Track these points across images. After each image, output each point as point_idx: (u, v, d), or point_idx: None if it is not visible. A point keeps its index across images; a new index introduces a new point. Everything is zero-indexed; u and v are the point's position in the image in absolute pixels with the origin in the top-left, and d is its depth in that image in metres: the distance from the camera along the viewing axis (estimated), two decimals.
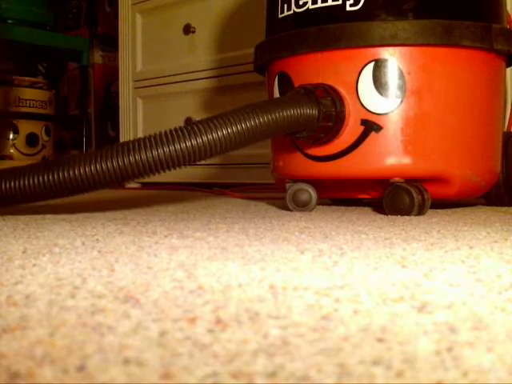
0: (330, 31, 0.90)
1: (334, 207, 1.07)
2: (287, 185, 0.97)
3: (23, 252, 0.51)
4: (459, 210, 0.98)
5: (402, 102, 0.88)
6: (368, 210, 0.99)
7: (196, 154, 0.75)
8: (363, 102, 0.88)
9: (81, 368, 0.22)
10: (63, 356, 0.24)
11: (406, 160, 0.88)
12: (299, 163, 0.96)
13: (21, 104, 2.42)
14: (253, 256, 0.49)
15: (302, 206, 0.94)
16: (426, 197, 0.86)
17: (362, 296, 0.34)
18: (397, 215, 0.85)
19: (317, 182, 0.96)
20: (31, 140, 2.46)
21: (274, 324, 0.29)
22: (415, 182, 0.87)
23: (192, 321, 0.29)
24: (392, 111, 0.88)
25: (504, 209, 1.00)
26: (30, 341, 0.26)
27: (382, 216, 0.86)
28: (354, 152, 0.89)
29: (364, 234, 0.64)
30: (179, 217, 0.85)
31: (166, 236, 0.62)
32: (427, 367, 0.22)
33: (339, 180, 0.95)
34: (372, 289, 0.36)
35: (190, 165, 0.77)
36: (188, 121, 1.89)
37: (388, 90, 0.88)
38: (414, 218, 0.81)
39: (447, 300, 0.33)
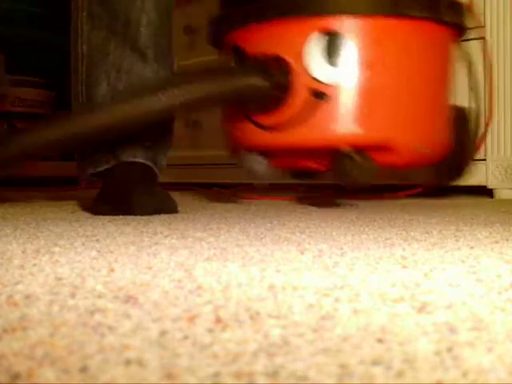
0: (279, 1, 0.91)
1: (333, 207, 1.07)
2: (241, 156, 0.97)
3: (23, 252, 0.51)
4: (459, 210, 0.98)
5: (350, 72, 0.88)
6: (368, 210, 0.99)
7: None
8: (313, 72, 0.88)
9: (82, 368, 0.22)
10: (64, 356, 0.24)
11: (355, 129, 0.89)
12: (251, 133, 0.95)
13: (21, 104, 2.41)
14: (253, 256, 0.49)
15: (257, 177, 0.95)
16: (371, 164, 0.87)
17: (362, 296, 0.34)
18: (345, 183, 0.86)
19: (271, 153, 0.96)
20: None
21: (274, 324, 0.29)
22: (362, 151, 0.87)
23: (192, 320, 0.29)
24: (341, 81, 0.88)
25: (504, 208, 1.00)
26: (30, 341, 0.26)
27: (382, 216, 0.86)
28: (304, 121, 0.89)
29: (364, 234, 0.64)
30: (179, 217, 0.85)
31: (166, 236, 0.62)
32: (427, 367, 0.23)
33: (292, 150, 0.95)
34: (372, 289, 0.36)
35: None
36: (188, 121, 1.89)
37: (337, 60, 0.88)
38: (414, 219, 0.81)
39: (447, 300, 0.33)
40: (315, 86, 0.88)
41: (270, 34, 0.91)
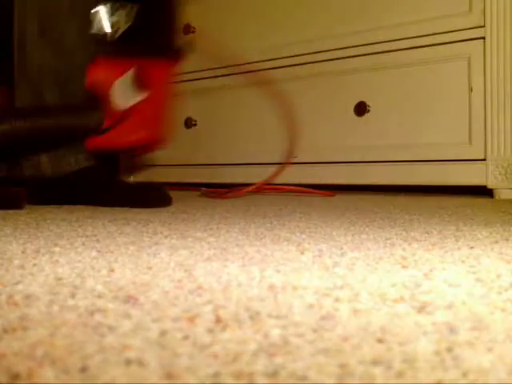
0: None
1: (333, 207, 1.07)
2: None
3: (23, 252, 0.51)
4: (459, 210, 0.98)
5: (136, 97, 1.15)
6: (368, 209, 0.99)
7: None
8: (120, 100, 1.15)
9: (82, 368, 0.22)
10: (64, 356, 0.24)
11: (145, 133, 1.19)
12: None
13: None
14: (253, 256, 0.49)
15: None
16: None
17: (362, 296, 0.34)
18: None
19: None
20: None
21: (274, 324, 0.29)
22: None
23: (192, 321, 0.29)
24: (134, 105, 1.15)
25: (504, 208, 1.00)
26: (30, 341, 0.26)
27: (382, 216, 0.86)
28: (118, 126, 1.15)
29: (364, 234, 0.64)
30: (180, 217, 0.85)
31: (166, 236, 0.62)
32: (427, 367, 0.23)
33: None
34: (372, 289, 0.36)
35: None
36: (188, 120, 1.89)
37: (131, 92, 1.15)
38: (414, 219, 0.81)
39: (447, 300, 0.33)
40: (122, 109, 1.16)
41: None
